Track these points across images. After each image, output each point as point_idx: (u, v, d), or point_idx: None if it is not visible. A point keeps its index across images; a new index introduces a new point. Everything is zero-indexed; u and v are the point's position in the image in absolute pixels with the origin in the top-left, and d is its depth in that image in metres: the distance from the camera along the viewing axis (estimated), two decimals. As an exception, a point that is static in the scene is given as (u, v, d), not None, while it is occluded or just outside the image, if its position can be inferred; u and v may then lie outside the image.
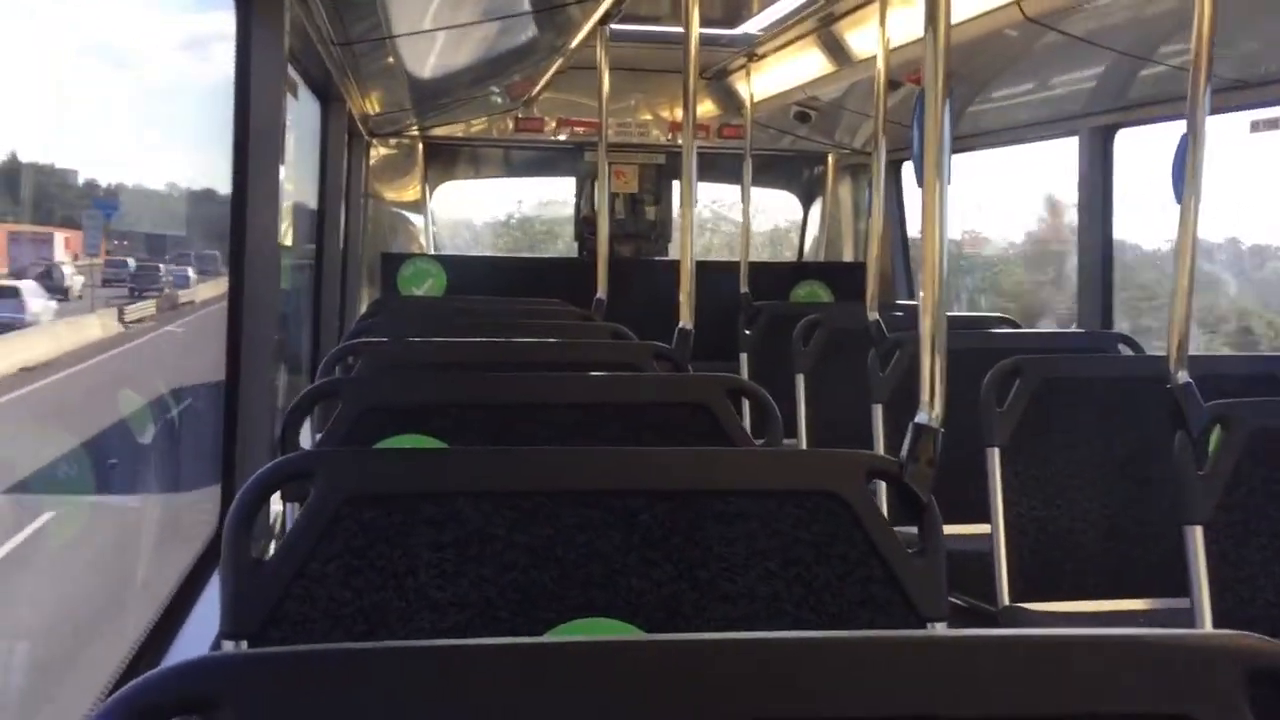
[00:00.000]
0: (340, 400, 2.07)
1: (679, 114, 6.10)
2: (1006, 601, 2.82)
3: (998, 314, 5.48)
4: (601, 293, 4.36)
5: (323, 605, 1.40)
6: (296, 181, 4.75)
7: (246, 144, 2.39)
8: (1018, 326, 4.81)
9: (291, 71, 3.20)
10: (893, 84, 4.05)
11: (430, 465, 1.56)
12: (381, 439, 2.02)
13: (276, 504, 2.19)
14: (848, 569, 1.51)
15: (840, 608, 1.50)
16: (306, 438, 2.45)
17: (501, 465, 1.55)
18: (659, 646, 0.86)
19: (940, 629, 1.49)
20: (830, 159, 7.02)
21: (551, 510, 1.48)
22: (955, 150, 6.20)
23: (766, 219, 7.89)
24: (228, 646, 1.37)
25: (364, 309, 5.15)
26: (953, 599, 3.03)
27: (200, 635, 2.02)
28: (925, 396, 1.68)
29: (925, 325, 1.68)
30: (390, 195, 6.65)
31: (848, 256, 7.01)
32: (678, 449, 1.70)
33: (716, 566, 1.50)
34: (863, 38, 4.67)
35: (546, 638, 1.36)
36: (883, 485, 2.78)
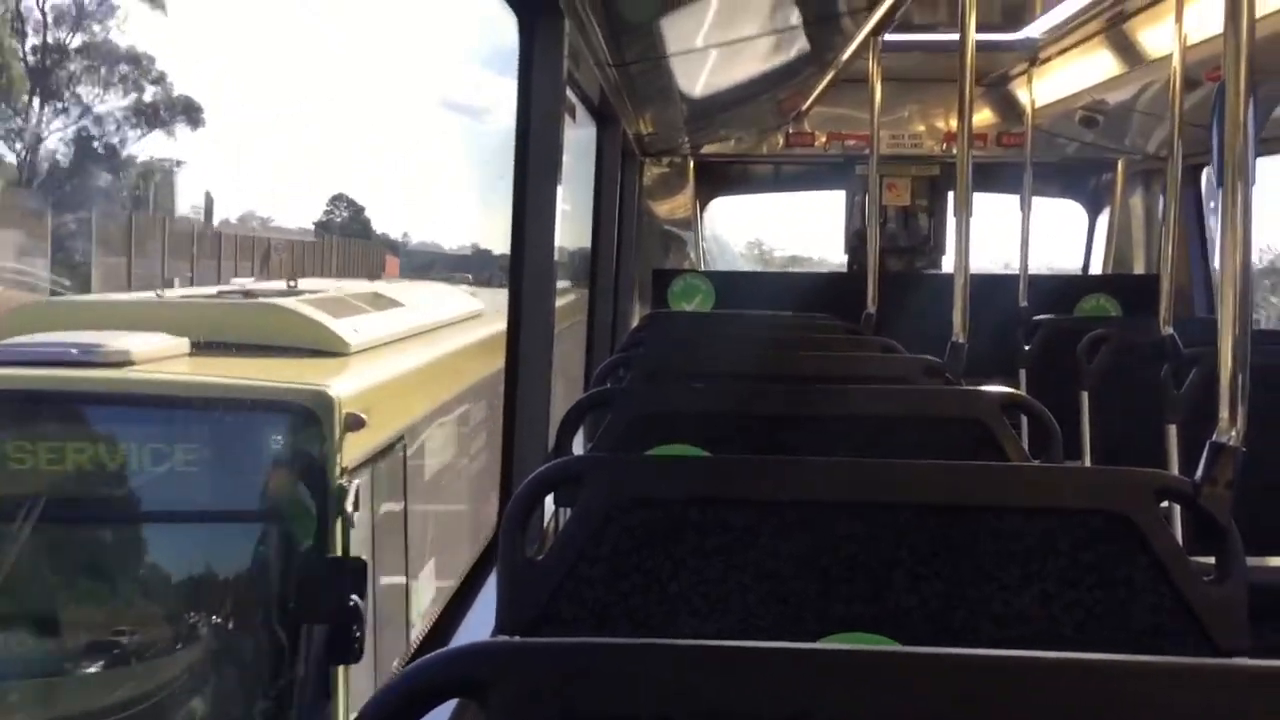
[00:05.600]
0: (611, 409, 2.13)
1: (954, 123, 5.94)
2: None
3: None
4: (871, 307, 4.29)
5: (591, 605, 1.44)
6: (573, 202, 4.93)
7: (526, 165, 2.50)
8: None
9: (570, 95, 3.33)
10: (1190, 83, 3.79)
11: (697, 472, 1.59)
12: (650, 447, 2.07)
13: (551, 507, 2.28)
14: (1133, 595, 1.42)
15: (1125, 635, 1.41)
16: (580, 445, 2.54)
17: (768, 474, 1.55)
18: (933, 660, 0.82)
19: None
20: (1120, 165, 6.63)
21: (817, 521, 1.47)
22: (1265, 153, 5.68)
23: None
24: None
25: (636, 323, 5.29)
26: (1265, 637, 2.79)
27: (480, 629, 2.12)
28: (1225, 414, 1.57)
29: (1226, 338, 1.57)
30: (662, 212, 6.79)
31: (1139, 268, 6.60)
32: (951, 463, 1.65)
33: (989, 586, 1.44)
34: (1157, 35, 4.38)
35: (803, 644, 1.36)
36: (1176, 511, 2.60)
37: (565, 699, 0.78)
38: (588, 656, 0.80)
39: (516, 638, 1.41)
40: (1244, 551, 1.44)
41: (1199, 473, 1.52)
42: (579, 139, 4.60)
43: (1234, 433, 1.55)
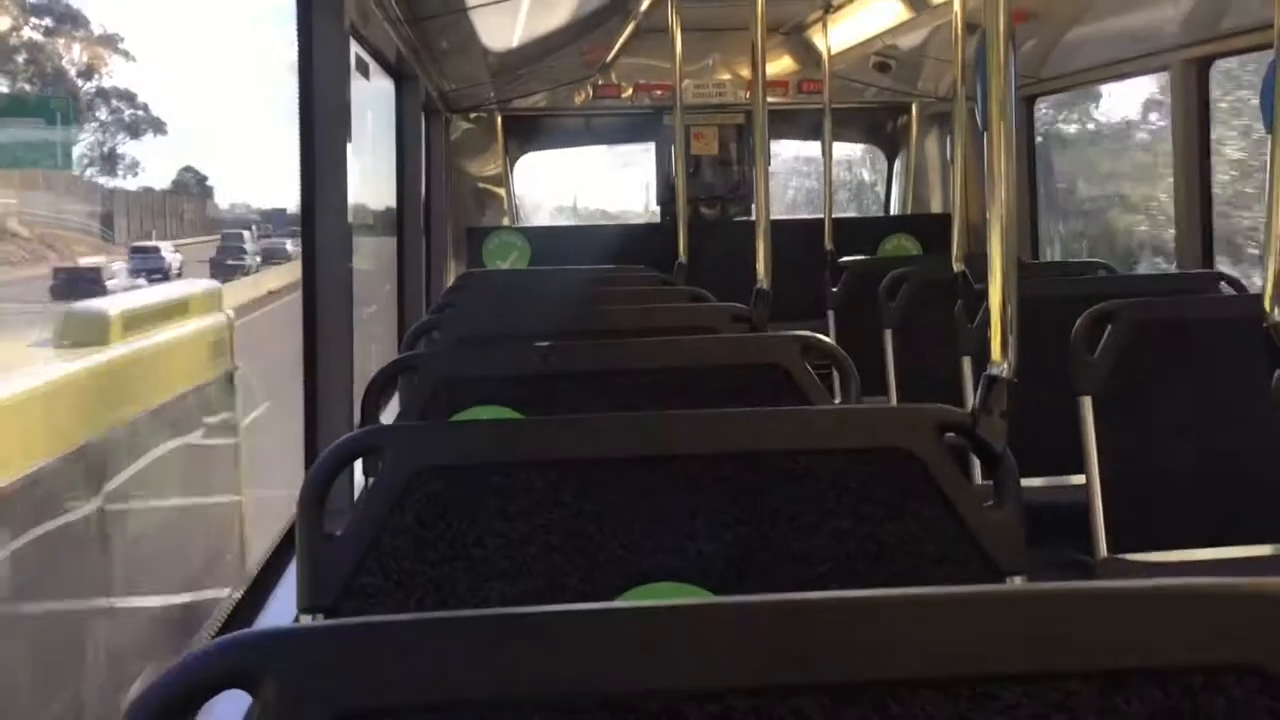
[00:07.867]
0: (417, 374, 2.10)
1: (756, 72, 6.02)
2: (1104, 553, 2.75)
3: (1094, 260, 5.32)
4: (683, 256, 4.33)
5: (395, 577, 1.42)
6: (381, 161, 4.80)
7: (312, 125, 2.42)
8: (1114, 271, 4.66)
9: (362, 53, 3.23)
10: (971, 28, 3.94)
11: (497, 436, 1.57)
12: (459, 411, 2.04)
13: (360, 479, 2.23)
14: (922, 526, 1.48)
15: (915, 565, 1.47)
16: (392, 413, 2.48)
17: (567, 433, 1.55)
18: (731, 609, 0.84)
19: (1019, 583, 1.45)
20: (914, 109, 6.87)
21: (617, 477, 1.48)
22: (1041, 92, 5.96)
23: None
24: (305, 620, 1.40)
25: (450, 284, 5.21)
26: (1049, 553, 2.97)
27: (284, 610, 2.07)
28: (996, 346, 1.64)
29: (995, 273, 1.64)
30: (472, 170, 6.69)
31: (937, 208, 6.87)
32: (742, 410, 1.69)
33: (786, 528, 1.48)
34: (940, -18, 4.54)
35: (610, 603, 1.37)
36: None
37: (341, 685, 0.76)
38: (360, 637, 0.78)
39: (320, 618, 1.38)
40: (1019, 475, 1.52)
41: (975, 404, 1.59)
42: (377, 94, 4.47)
43: (1005, 364, 1.63)
